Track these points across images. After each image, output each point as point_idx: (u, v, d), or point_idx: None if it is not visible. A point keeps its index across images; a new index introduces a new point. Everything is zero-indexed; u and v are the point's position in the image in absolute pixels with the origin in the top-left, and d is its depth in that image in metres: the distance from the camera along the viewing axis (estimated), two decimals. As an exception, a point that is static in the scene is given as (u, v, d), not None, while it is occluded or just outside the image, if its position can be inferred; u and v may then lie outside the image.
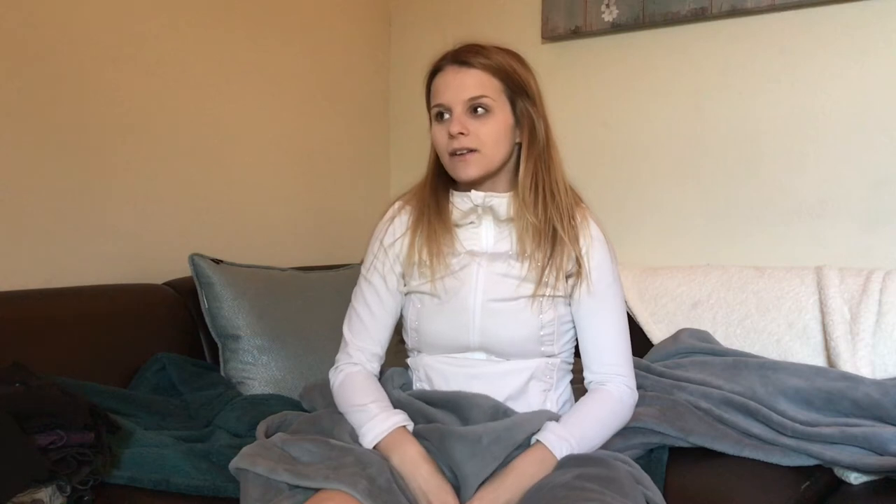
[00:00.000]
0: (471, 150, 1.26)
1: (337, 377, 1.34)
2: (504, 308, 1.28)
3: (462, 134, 1.25)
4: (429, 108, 1.34)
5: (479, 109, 1.26)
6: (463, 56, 1.28)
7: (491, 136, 1.27)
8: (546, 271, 1.27)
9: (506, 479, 1.15)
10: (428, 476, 1.15)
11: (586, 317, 1.31)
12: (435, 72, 1.31)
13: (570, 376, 1.37)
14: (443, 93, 1.28)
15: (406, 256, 1.34)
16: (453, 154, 1.27)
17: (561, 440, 1.19)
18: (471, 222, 1.33)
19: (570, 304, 1.31)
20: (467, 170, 1.27)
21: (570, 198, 1.32)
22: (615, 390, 1.29)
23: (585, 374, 1.33)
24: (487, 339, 1.28)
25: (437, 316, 1.31)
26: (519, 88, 1.29)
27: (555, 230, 1.28)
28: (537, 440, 1.20)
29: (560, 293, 1.29)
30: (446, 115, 1.28)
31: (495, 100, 1.27)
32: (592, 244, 1.30)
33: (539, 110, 1.31)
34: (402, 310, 1.38)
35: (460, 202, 1.33)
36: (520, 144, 1.31)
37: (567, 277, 1.30)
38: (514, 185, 1.32)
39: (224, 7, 2.08)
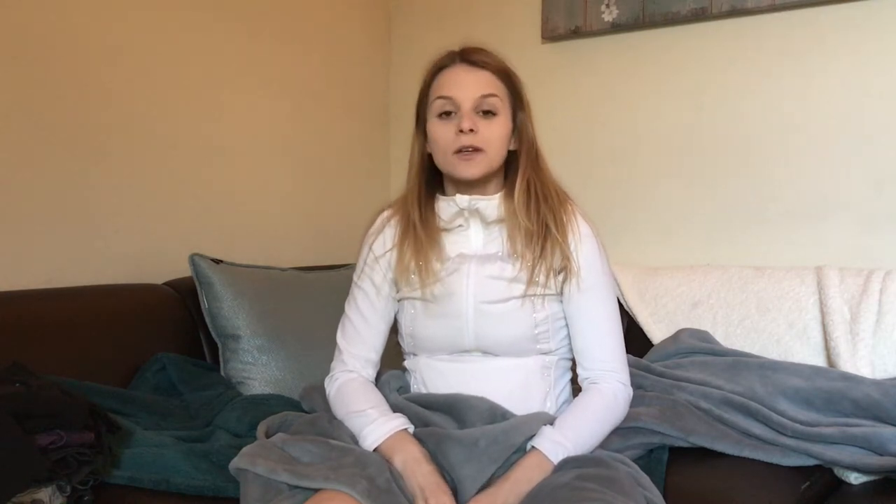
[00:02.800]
0: (476, 150, 1.26)
1: (333, 385, 1.34)
2: (497, 310, 1.28)
3: (472, 131, 1.25)
4: (421, 107, 1.34)
5: (487, 110, 1.28)
6: (473, 56, 1.30)
7: (496, 136, 1.28)
8: (536, 270, 1.28)
9: (503, 486, 1.14)
10: (427, 474, 1.15)
11: (577, 312, 1.31)
12: (439, 69, 1.32)
13: (569, 374, 1.37)
14: (451, 88, 1.28)
15: (396, 268, 1.34)
16: (459, 151, 1.27)
17: (556, 445, 1.19)
18: (459, 225, 1.34)
19: (562, 301, 1.31)
20: (471, 169, 1.27)
21: (559, 197, 1.33)
22: (608, 388, 1.29)
23: (579, 370, 1.33)
24: (482, 340, 1.29)
25: (430, 321, 1.31)
26: (519, 96, 1.33)
27: (547, 228, 1.28)
28: (532, 446, 1.19)
29: (552, 291, 1.29)
30: (453, 112, 1.28)
31: (503, 101, 1.30)
32: (581, 240, 1.31)
33: (531, 121, 1.34)
34: (396, 315, 1.38)
35: (445, 208, 1.34)
36: (511, 152, 1.33)
37: (558, 273, 1.30)
38: (500, 188, 1.33)
39: (224, 7, 2.08)
